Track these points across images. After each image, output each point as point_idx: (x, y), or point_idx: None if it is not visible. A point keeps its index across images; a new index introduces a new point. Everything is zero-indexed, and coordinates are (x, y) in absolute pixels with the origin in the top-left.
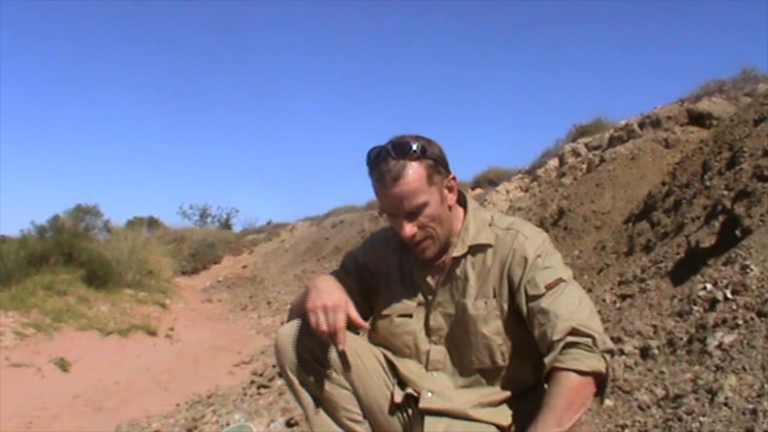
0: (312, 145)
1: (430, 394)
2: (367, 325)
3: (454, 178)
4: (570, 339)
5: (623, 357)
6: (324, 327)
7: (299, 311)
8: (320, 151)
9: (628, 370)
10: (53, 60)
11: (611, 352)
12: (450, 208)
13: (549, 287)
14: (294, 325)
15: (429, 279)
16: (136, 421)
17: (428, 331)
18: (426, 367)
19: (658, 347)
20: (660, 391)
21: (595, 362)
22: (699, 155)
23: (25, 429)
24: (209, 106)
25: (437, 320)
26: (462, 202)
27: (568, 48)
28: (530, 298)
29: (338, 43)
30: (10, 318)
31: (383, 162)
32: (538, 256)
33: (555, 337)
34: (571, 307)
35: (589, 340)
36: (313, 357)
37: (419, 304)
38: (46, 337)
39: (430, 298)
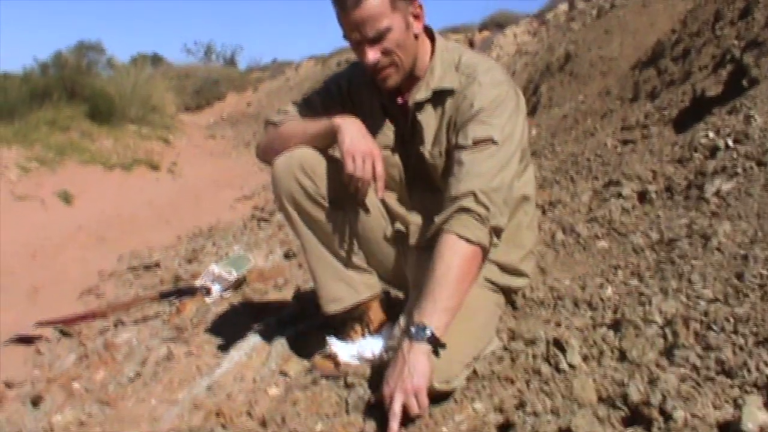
0: None
1: (415, 230)
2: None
3: (420, 6)
4: (465, 204)
5: (621, 200)
6: (360, 172)
7: (301, 140)
8: None
9: (625, 213)
10: None
11: (498, 232)
12: (416, 37)
13: (476, 142)
14: (292, 155)
15: (398, 117)
16: (137, 252)
17: (405, 167)
18: (407, 206)
19: (656, 192)
20: (655, 235)
21: (480, 234)
22: (712, 4)
23: (29, 259)
24: None
25: (410, 159)
26: (431, 37)
27: None
28: (456, 147)
29: None
30: (13, 152)
31: None
32: (482, 109)
33: (453, 193)
34: (486, 170)
35: (483, 211)
36: (310, 188)
37: (395, 139)
38: (49, 171)
39: (400, 136)
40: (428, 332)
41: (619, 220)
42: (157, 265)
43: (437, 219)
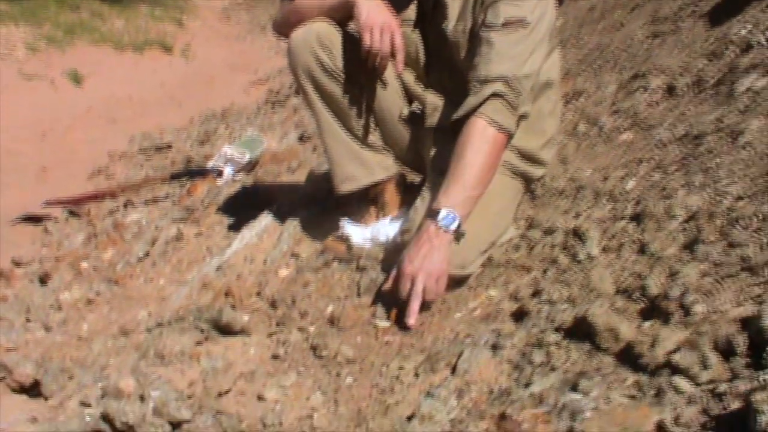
0: None
1: (431, 111)
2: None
3: None
4: (498, 88)
5: (647, 93)
6: (378, 45)
7: (318, 13)
8: None
9: (651, 106)
10: None
11: (524, 118)
12: None
13: (507, 23)
14: (309, 29)
15: None
16: (149, 133)
17: (424, 46)
18: (424, 84)
19: (684, 86)
20: (681, 130)
21: (510, 121)
22: None
23: (38, 139)
24: None
25: (430, 37)
26: None
27: None
28: (485, 25)
29: None
30: (21, 31)
31: None
32: None
33: (484, 74)
34: (517, 53)
35: (514, 98)
36: (327, 62)
37: (416, 15)
38: (58, 51)
39: (422, 12)
40: (457, 223)
41: (645, 113)
42: (169, 146)
43: (470, 101)
